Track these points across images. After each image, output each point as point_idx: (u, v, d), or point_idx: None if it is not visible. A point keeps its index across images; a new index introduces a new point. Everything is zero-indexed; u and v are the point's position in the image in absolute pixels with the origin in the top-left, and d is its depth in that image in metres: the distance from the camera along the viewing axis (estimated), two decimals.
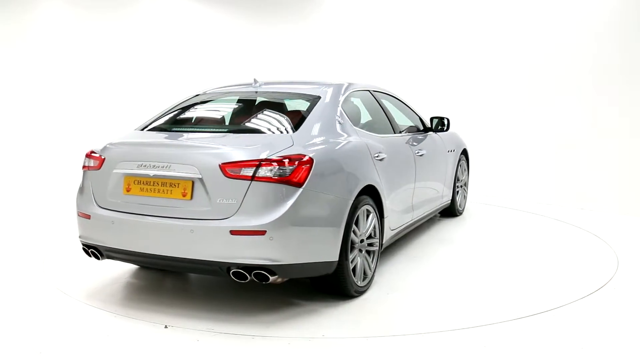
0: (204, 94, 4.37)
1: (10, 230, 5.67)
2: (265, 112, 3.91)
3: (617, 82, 6.33)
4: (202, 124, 4.00)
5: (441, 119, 5.26)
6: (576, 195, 6.70)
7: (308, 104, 3.81)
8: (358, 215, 3.51)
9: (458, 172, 5.83)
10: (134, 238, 3.29)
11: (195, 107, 4.18)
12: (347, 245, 3.37)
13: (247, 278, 3.09)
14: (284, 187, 3.05)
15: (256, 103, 4.12)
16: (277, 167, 3.06)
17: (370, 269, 3.69)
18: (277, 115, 3.85)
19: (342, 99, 3.97)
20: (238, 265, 3.05)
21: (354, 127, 3.90)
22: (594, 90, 6.53)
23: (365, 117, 4.48)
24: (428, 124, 5.27)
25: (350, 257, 3.44)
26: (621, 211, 6.22)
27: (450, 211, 5.86)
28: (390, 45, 8.82)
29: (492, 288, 3.82)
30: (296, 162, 3.11)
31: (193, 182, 3.15)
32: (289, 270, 3.10)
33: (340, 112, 3.84)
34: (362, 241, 3.58)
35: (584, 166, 6.65)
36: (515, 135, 7.20)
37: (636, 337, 3.03)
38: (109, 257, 3.49)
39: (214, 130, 3.80)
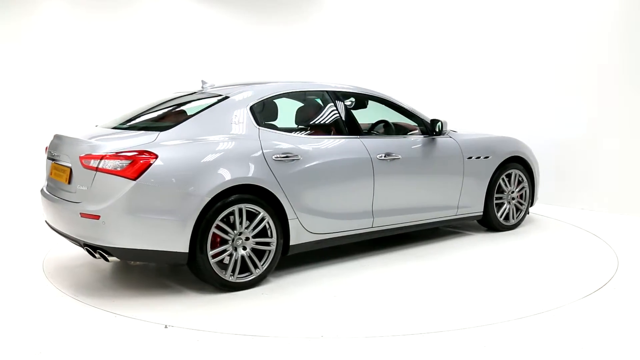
0: (171, 97, 4.53)
1: (10, 230, 5.67)
2: (169, 112, 4.19)
3: (618, 81, 6.32)
4: (129, 123, 4.12)
5: (437, 121, 4.86)
6: (576, 195, 6.69)
7: (209, 104, 3.99)
8: (234, 212, 3.65)
9: (500, 183, 5.26)
10: (48, 214, 3.97)
11: (146, 107, 4.38)
12: (203, 240, 3.55)
13: (95, 255, 3.58)
14: (118, 179, 3.42)
15: (177, 103, 4.31)
16: (115, 161, 3.45)
17: (259, 267, 3.77)
18: (174, 115, 4.09)
19: (258, 99, 4.08)
20: (85, 243, 3.55)
21: (258, 127, 3.94)
22: (594, 90, 6.51)
23: (305, 118, 4.49)
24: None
25: (213, 252, 3.59)
26: (621, 211, 6.22)
27: (489, 224, 5.33)
28: (392, 46, 8.81)
29: (492, 288, 3.82)
30: (133, 158, 3.43)
31: (70, 170, 3.69)
32: (125, 253, 3.50)
33: (245, 113, 3.96)
34: (247, 239, 3.72)
35: (584, 166, 6.64)
36: (515, 135, 7.19)
37: (636, 337, 3.03)
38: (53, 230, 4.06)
39: (120, 127, 4.03)
